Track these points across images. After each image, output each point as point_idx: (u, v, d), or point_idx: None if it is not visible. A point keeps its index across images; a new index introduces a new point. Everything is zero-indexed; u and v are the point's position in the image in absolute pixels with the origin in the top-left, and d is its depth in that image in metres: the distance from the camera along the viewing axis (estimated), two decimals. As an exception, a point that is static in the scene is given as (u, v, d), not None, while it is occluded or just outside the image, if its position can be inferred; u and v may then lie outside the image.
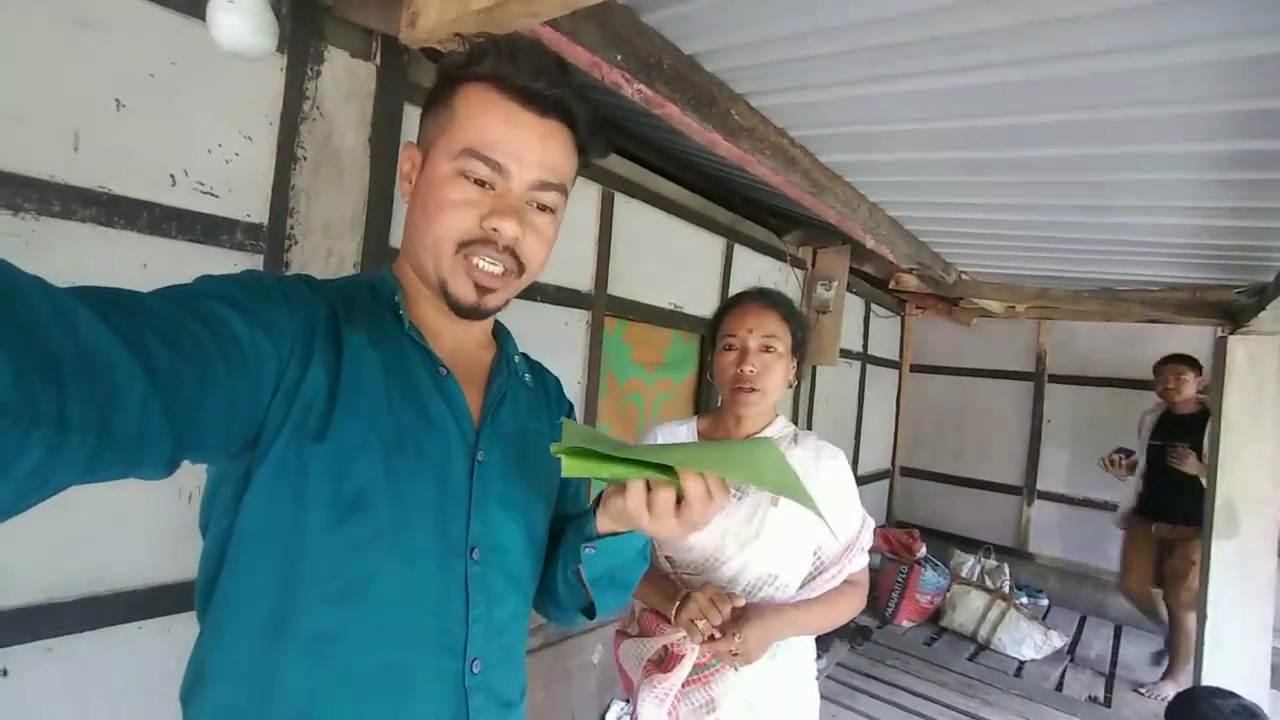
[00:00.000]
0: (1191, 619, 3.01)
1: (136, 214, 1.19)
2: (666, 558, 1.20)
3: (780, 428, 1.22)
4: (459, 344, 0.69)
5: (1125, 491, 3.69)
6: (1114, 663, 3.70)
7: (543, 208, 0.65)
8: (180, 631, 1.26)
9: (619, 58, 1.20)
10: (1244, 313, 2.66)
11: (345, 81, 1.45)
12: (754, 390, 1.14)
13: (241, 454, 0.54)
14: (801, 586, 1.16)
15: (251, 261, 1.35)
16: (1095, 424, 4.58)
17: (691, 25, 1.28)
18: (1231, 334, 2.83)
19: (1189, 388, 3.25)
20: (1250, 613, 2.73)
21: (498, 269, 0.63)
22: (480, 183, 0.61)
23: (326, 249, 1.44)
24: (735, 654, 1.00)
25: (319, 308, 0.58)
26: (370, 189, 1.50)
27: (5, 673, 1.06)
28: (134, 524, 1.20)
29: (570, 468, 0.54)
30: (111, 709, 1.18)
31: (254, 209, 1.35)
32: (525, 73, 0.60)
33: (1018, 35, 1.17)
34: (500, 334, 0.77)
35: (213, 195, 1.29)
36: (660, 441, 1.24)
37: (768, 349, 1.15)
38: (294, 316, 0.55)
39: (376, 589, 0.57)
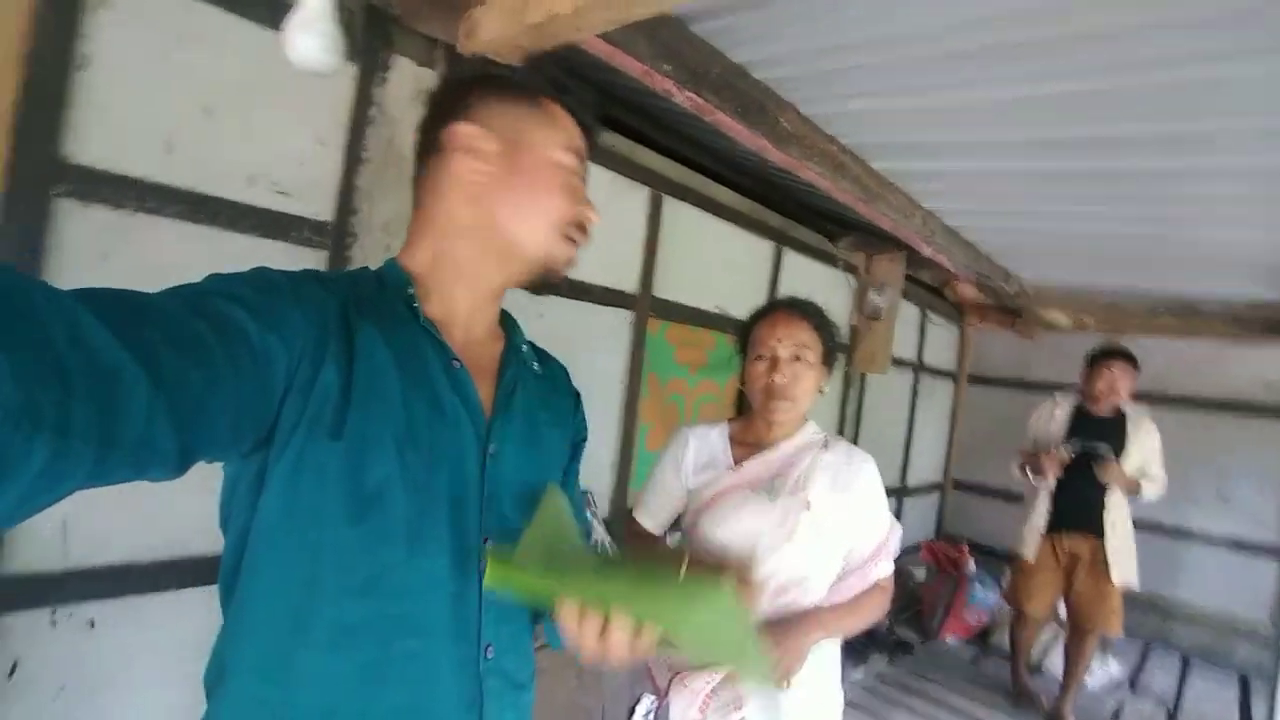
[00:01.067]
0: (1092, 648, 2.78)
1: (218, 211, 1.29)
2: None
3: (810, 434, 1.23)
4: (470, 336, 0.70)
5: (1023, 504, 3.26)
6: (1179, 697, 3.48)
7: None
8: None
9: (668, 68, 1.23)
10: (1340, 334, 2.46)
11: (410, 87, 1.53)
12: (785, 400, 1.15)
13: (254, 452, 0.55)
14: (829, 595, 1.16)
15: (316, 257, 1.45)
16: (1170, 445, 4.30)
17: (740, 35, 1.29)
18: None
19: (1126, 389, 2.86)
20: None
21: (582, 242, 0.72)
22: (574, 174, 0.71)
23: (385, 245, 1.52)
24: (785, 672, 1.02)
25: (330, 304, 0.59)
26: (428, 190, 1.57)
27: (93, 624, 1.18)
28: (211, 494, 1.31)
29: (490, 578, 0.55)
30: (183, 664, 1.29)
31: (321, 208, 1.45)
32: (590, 118, 0.74)
33: (1095, 43, 1.13)
34: (508, 324, 0.78)
35: (285, 195, 1.39)
36: (692, 444, 1.26)
37: (798, 358, 1.17)
38: (304, 313, 0.55)
39: (396, 580, 0.58)
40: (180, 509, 1.26)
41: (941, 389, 4.97)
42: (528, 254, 0.68)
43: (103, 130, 1.15)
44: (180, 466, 0.45)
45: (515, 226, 0.67)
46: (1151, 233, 2.11)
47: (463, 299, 0.69)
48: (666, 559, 1.11)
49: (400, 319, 0.64)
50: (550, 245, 0.68)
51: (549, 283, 0.71)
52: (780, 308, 1.23)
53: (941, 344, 4.86)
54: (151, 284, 0.50)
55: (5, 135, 1.06)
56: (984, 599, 3.80)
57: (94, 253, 1.17)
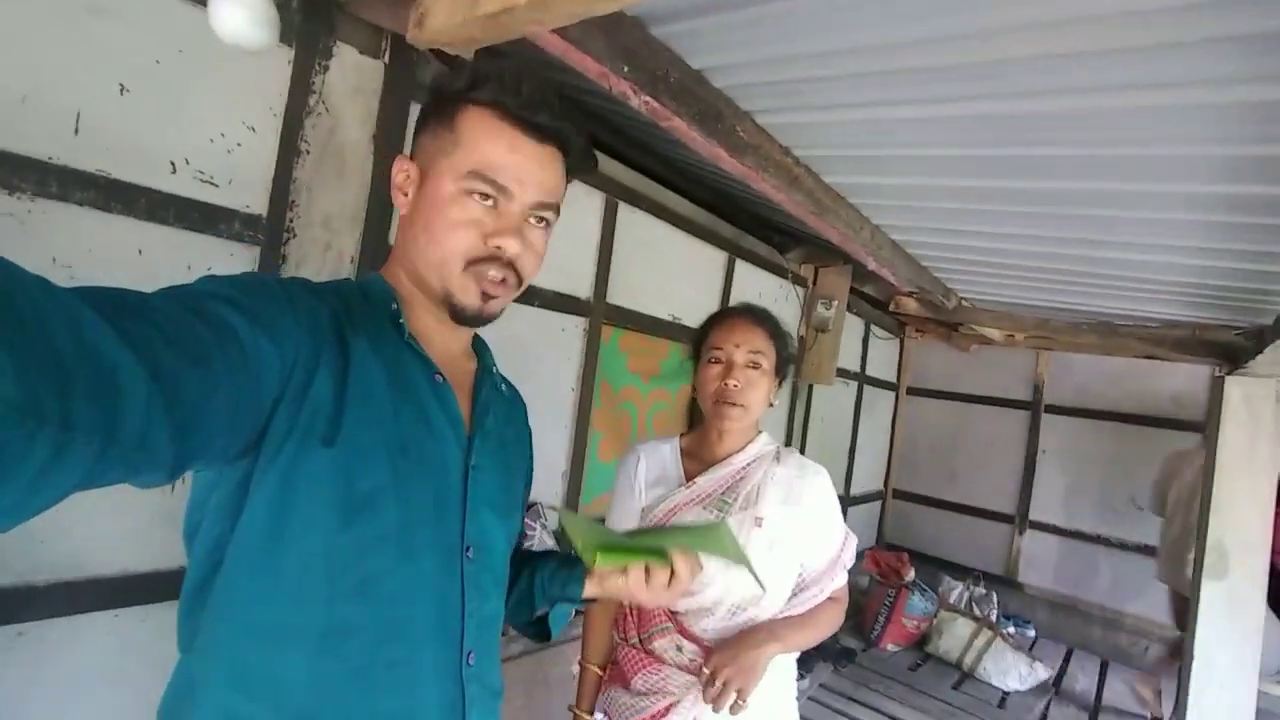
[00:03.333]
0: None
1: (134, 199, 1.18)
2: None
3: (763, 445, 1.21)
4: (448, 353, 0.72)
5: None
6: (1099, 698, 3.66)
7: (540, 220, 0.70)
8: (158, 619, 1.25)
9: (626, 69, 1.20)
10: (1242, 354, 2.65)
11: (353, 78, 1.46)
12: (737, 405, 1.13)
13: (240, 458, 0.54)
14: (786, 610, 1.15)
15: (248, 253, 1.35)
16: (1090, 456, 4.58)
17: (700, 41, 1.28)
18: (1229, 374, 2.82)
19: None
20: (1238, 655, 2.70)
21: (501, 277, 0.67)
22: (485, 197, 0.65)
23: (325, 243, 1.44)
24: (739, 691, 1.00)
25: (322, 311, 0.59)
26: (372, 186, 1.49)
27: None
28: (113, 511, 1.19)
29: (603, 562, 0.70)
30: (83, 696, 1.16)
31: (253, 200, 1.35)
32: (528, 103, 0.64)
33: (1028, 68, 1.17)
34: (479, 347, 0.80)
35: (212, 184, 1.29)
36: (643, 461, 1.23)
37: (753, 365, 1.15)
38: (297, 319, 0.55)
39: (387, 587, 0.59)
40: (81, 527, 1.14)
41: (883, 400, 5.13)
42: (433, 286, 0.66)
43: (-1, 105, 1.04)
44: (174, 469, 0.44)
45: (418, 259, 0.67)
46: (1075, 254, 2.22)
47: (428, 321, 0.70)
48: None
49: (385, 332, 0.65)
50: (451, 281, 0.65)
51: (466, 318, 0.68)
52: (738, 313, 1.21)
53: (883, 356, 5.02)
54: (56, 279, 0.44)
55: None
56: (923, 607, 3.91)
57: None
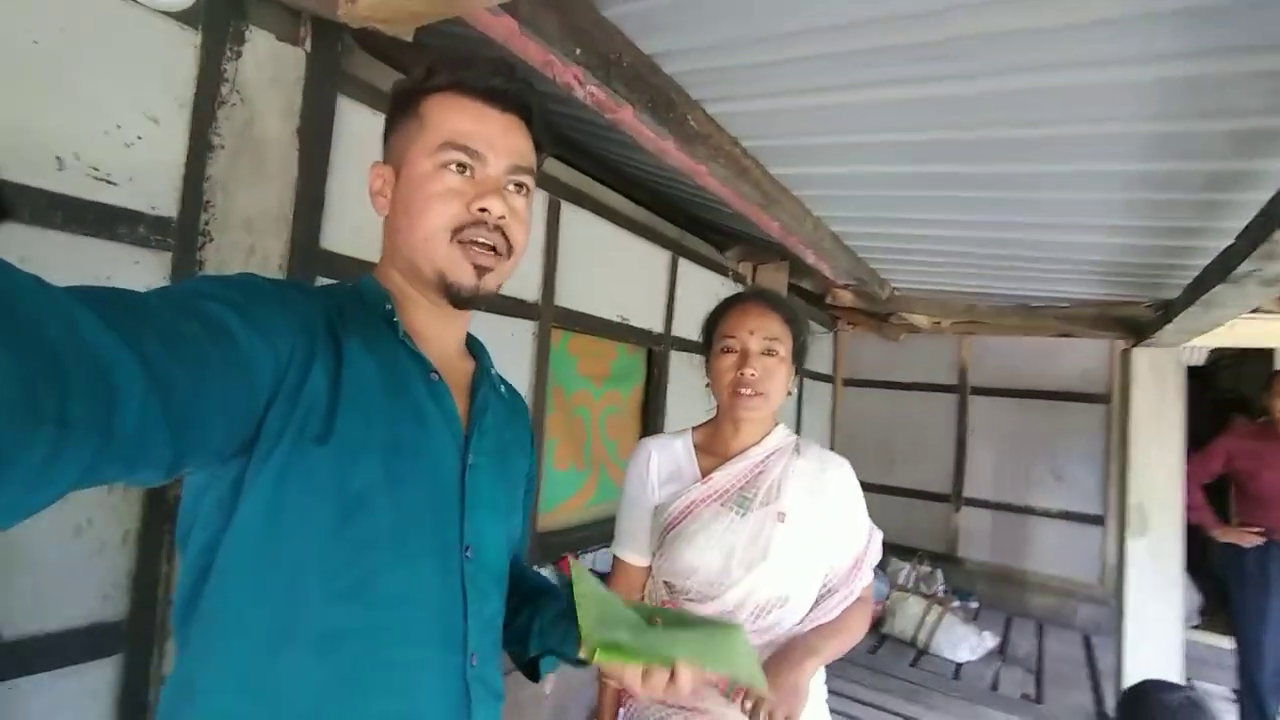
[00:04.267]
0: None
1: (16, 201, 1.01)
2: (665, 583, 1.11)
3: (782, 436, 1.16)
4: (444, 352, 0.71)
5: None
6: (1040, 659, 3.87)
7: (519, 187, 0.69)
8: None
9: (578, 51, 1.14)
10: (1148, 327, 2.87)
11: (270, 67, 1.32)
12: (756, 394, 1.07)
13: (234, 458, 0.54)
14: (814, 608, 1.09)
15: (157, 259, 1.19)
16: (1014, 433, 4.87)
17: (652, 23, 1.24)
18: (1135, 346, 3.06)
19: None
20: (1163, 606, 2.92)
21: (490, 244, 0.66)
22: (463, 169, 0.65)
23: (249, 246, 1.29)
24: (788, 718, 0.92)
25: (315, 311, 0.59)
26: (299, 184, 1.36)
27: None
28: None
29: (602, 658, 0.63)
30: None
31: (161, 201, 1.20)
32: (485, 74, 0.67)
33: (969, 47, 1.20)
34: (476, 348, 0.80)
35: (109, 183, 1.14)
36: (655, 457, 1.16)
37: (770, 352, 1.09)
38: (290, 319, 0.55)
39: (383, 587, 0.59)
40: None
41: (822, 392, 5.27)
42: (425, 271, 0.66)
43: None
44: (171, 467, 0.44)
45: (408, 247, 0.67)
46: (999, 236, 2.34)
47: (422, 319, 0.69)
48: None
49: (380, 332, 0.65)
50: (441, 258, 0.65)
51: (463, 297, 0.67)
52: (751, 298, 1.14)
53: (820, 350, 5.16)
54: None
55: None
56: (878, 589, 4.02)
57: None
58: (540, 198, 2.19)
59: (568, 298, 2.32)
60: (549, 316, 2.23)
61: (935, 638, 3.74)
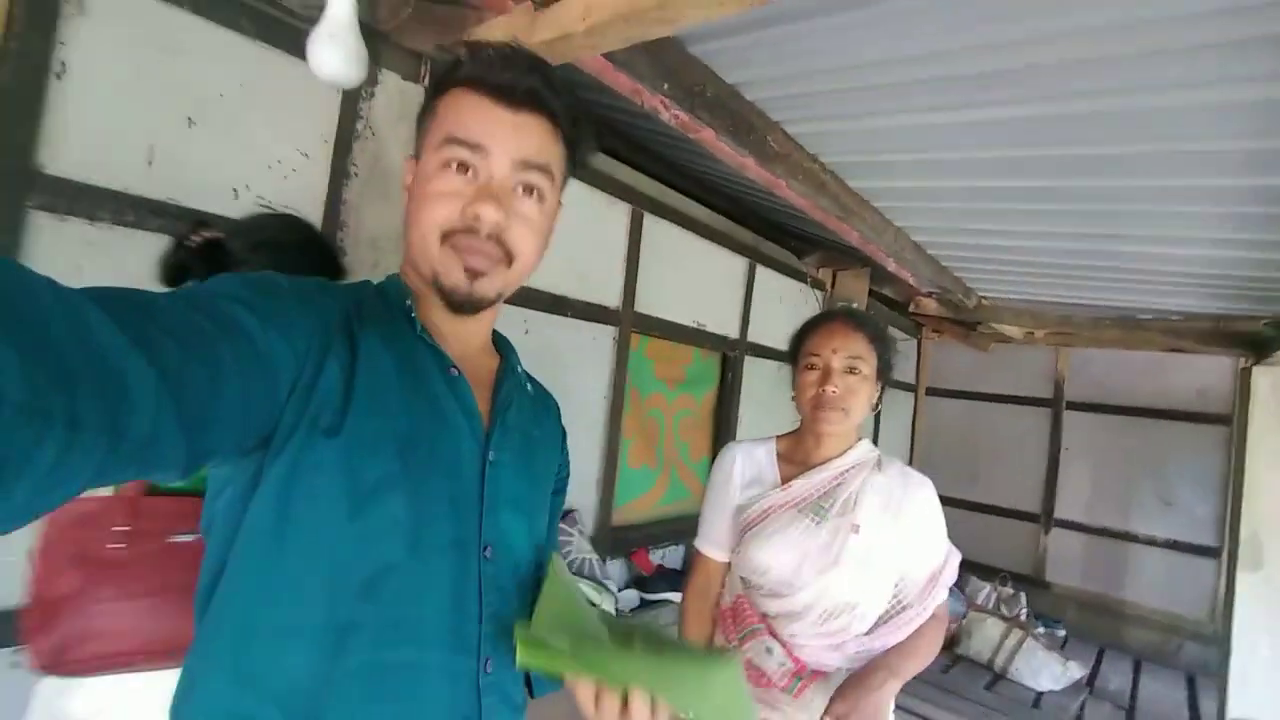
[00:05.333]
0: None
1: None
2: (742, 579, 1.18)
3: (864, 451, 1.19)
4: (466, 348, 0.70)
5: None
6: (1133, 697, 3.63)
7: (529, 189, 0.65)
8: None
9: (665, 86, 1.25)
10: (1269, 344, 2.65)
11: (396, 104, 1.52)
12: (836, 410, 1.11)
13: (253, 452, 0.54)
14: (885, 623, 1.12)
15: (304, 273, 1.41)
16: (1115, 452, 4.55)
17: (734, 57, 1.33)
18: (1255, 365, 2.82)
19: None
20: (1276, 649, 2.68)
21: (487, 250, 0.63)
22: (464, 169, 0.62)
23: (373, 262, 1.50)
24: None
25: (332, 308, 0.59)
26: (417, 206, 1.55)
27: None
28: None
29: (523, 658, 0.56)
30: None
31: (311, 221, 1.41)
32: (498, 70, 0.63)
33: (1054, 73, 1.21)
34: (503, 345, 0.78)
35: (270, 208, 1.36)
36: (740, 460, 1.22)
37: (852, 370, 1.12)
38: (307, 316, 0.55)
39: (394, 583, 0.57)
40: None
41: (902, 401, 5.13)
42: (425, 274, 0.65)
43: (80, 141, 1.11)
44: (188, 466, 0.44)
45: (411, 249, 0.66)
46: (1097, 249, 2.25)
47: (440, 315, 0.68)
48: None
49: (399, 328, 0.64)
50: (433, 260, 0.63)
51: (456, 300, 0.65)
52: (836, 317, 1.19)
53: (901, 358, 5.02)
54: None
55: (-25, 143, 1.00)
56: (952, 607, 3.88)
57: (69, 267, 1.11)
58: (623, 210, 2.33)
59: (646, 304, 2.44)
60: (628, 322, 2.36)
61: (1014, 662, 3.59)
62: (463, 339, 0.70)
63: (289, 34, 1.32)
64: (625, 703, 0.56)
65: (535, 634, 0.58)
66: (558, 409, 0.86)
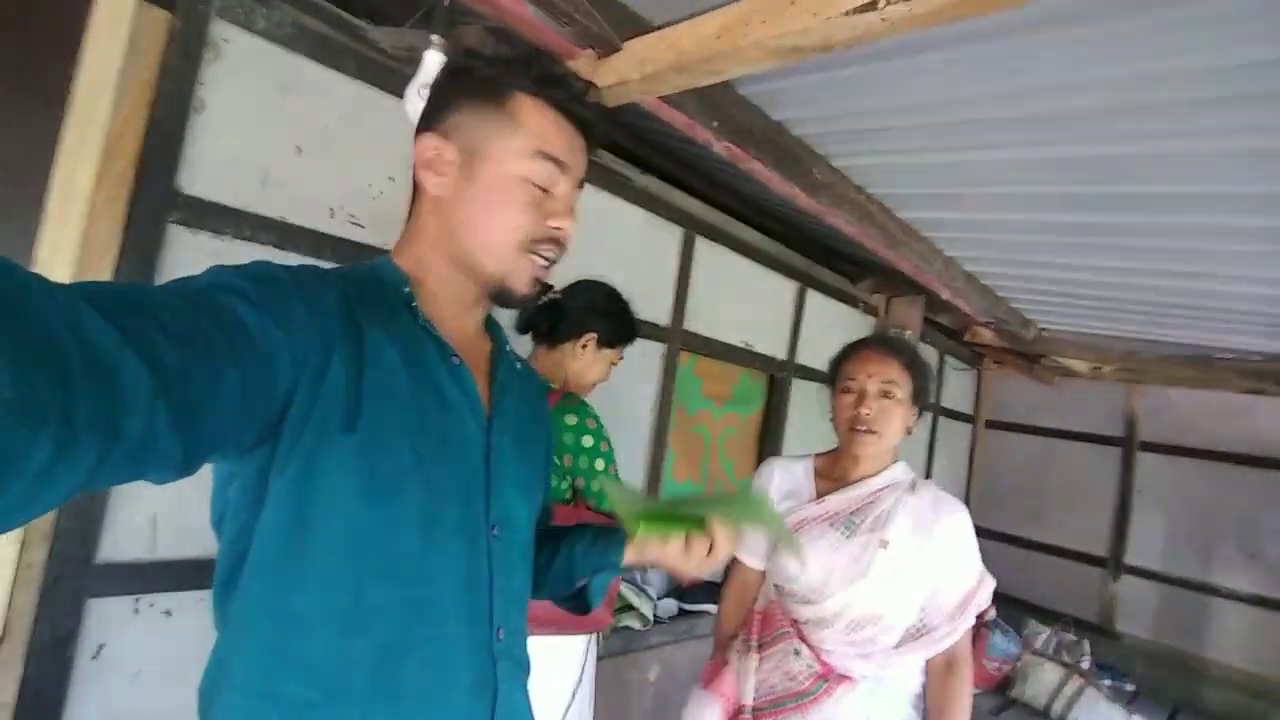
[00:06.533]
0: None
1: (302, 239, 1.43)
2: (775, 586, 1.25)
3: (899, 473, 1.23)
4: (463, 334, 0.71)
5: None
6: (1208, 762, 3.37)
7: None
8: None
9: (715, 124, 1.36)
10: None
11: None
12: (870, 432, 1.17)
13: (256, 448, 0.54)
14: (915, 639, 1.15)
15: (385, 283, 1.58)
16: (1194, 497, 4.27)
17: (781, 98, 1.43)
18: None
19: None
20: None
21: (554, 258, 0.70)
22: (539, 187, 0.66)
23: (445, 276, 1.65)
24: None
25: (333, 298, 0.59)
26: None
27: (169, 613, 1.27)
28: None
29: (645, 530, 0.71)
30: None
31: (389, 238, 1.54)
32: (572, 95, 0.68)
33: (1100, 117, 1.24)
34: (491, 327, 0.80)
35: (359, 225, 1.53)
36: (778, 474, 1.30)
37: (886, 394, 1.17)
38: (308, 307, 0.55)
39: (413, 568, 0.60)
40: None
41: (959, 432, 4.99)
42: (485, 270, 0.67)
43: (211, 166, 1.30)
44: (185, 464, 0.45)
45: (470, 241, 0.66)
46: (1166, 285, 2.19)
47: (446, 303, 0.69)
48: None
49: (399, 316, 0.64)
50: (507, 263, 0.66)
51: (510, 300, 0.69)
52: (872, 343, 1.24)
53: (959, 388, 4.89)
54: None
55: (132, 167, 1.20)
56: (1004, 648, 3.75)
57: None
58: (676, 232, 2.43)
59: (695, 323, 2.53)
60: (677, 340, 2.45)
61: (1073, 712, 3.41)
62: (462, 326, 0.71)
63: (382, 72, 1.51)
64: (695, 546, 0.71)
65: (643, 511, 0.72)
66: (541, 385, 0.91)
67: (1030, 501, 4.88)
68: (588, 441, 1.31)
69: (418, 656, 0.60)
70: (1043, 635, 4.11)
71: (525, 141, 0.65)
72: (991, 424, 5.19)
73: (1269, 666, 3.88)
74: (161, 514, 1.25)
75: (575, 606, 0.89)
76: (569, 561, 0.82)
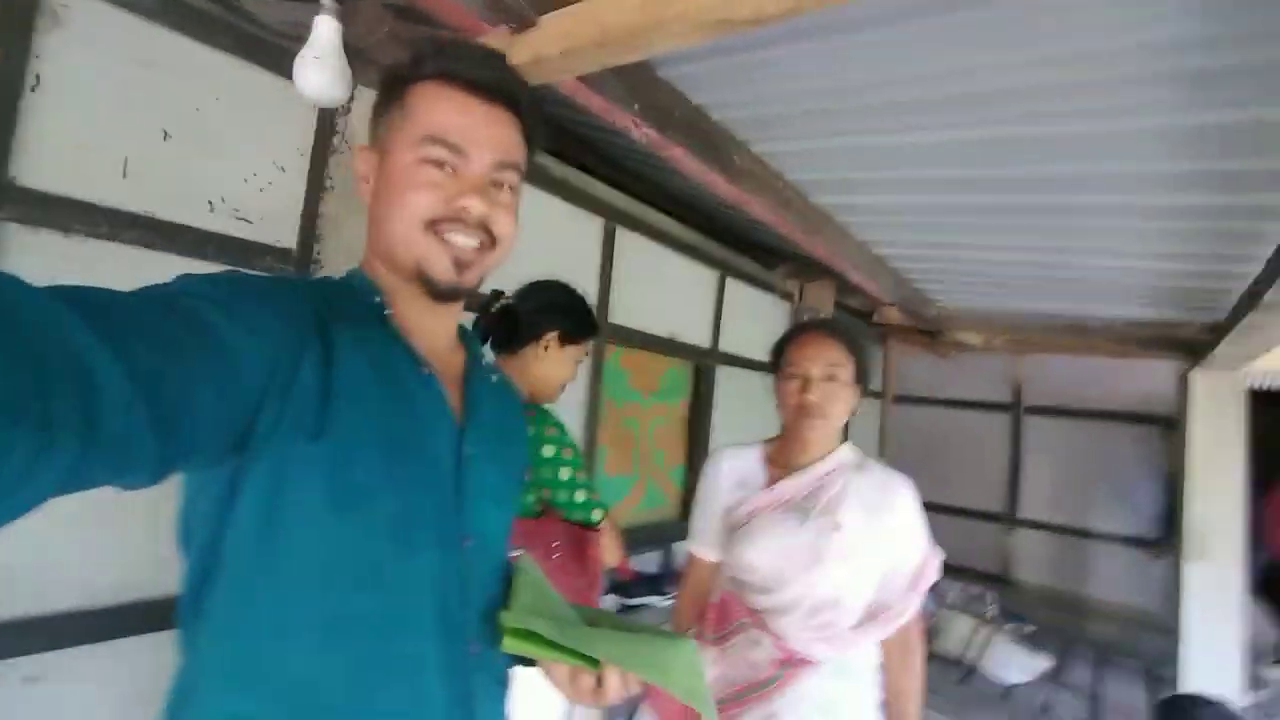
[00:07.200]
0: None
1: (177, 237, 1.26)
2: (731, 577, 1.23)
3: (845, 454, 1.24)
4: (435, 343, 0.71)
5: None
6: (1097, 685, 3.76)
7: (500, 185, 0.67)
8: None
9: (636, 107, 1.31)
10: (1203, 348, 2.82)
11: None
12: (817, 417, 1.17)
13: (227, 456, 0.53)
14: (872, 618, 1.16)
15: (281, 285, 1.42)
16: (1072, 454, 4.74)
17: (700, 81, 1.40)
18: (1192, 369, 2.99)
19: None
20: (1224, 637, 2.83)
21: (474, 242, 0.65)
22: (440, 165, 0.63)
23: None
24: None
25: (304, 307, 0.58)
26: (393, 218, 1.58)
27: (34, 680, 1.08)
28: (161, 534, 1.23)
29: (510, 645, 0.62)
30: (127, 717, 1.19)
31: (283, 235, 1.43)
32: (471, 65, 0.65)
33: (1002, 100, 1.30)
34: (466, 338, 0.79)
35: (246, 221, 1.37)
36: (727, 464, 1.28)
37: (831, 378, 1.18)
38: (278, 315, 0.55)
39: (385, 579, 0.59)
40: (130, 549, 1.18)
41: (871, 408, 5.26)
42: (399, 259, 0.65)
43: (54, 153, 1.11)
44: (159, 469, 0.44)
45: (386, 235, 0.66)
46: (1047, 260, 2.38)
47: (410, 312, 0.68)
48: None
49: (370, 325, 0.64)
50: (417, 248, 0.64)
51: (441, 290, 0.66)
52: (811, 329, 1.25)
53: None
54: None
55: (-52, 156, 1.00)
56: (923, 605, 3.99)
57: (43, 279, 1.09)
58: (597, 223, 2.38)
59: (621, 315, 2.49)
60: (603, 333, 2.40)
61: (984, 657, 3.70)
62: (432, 335, 0.70)
63: (266, 50, 1.35)
64: (599, 681, 0.63)
65: (520, 622, 0.63)
66: (518, 397, 0.89)
67: (936, 468, 5.22)
68: (548, 452, 1.27)
69: (393, 672, 0.59)
70: (953, 590, 4.43)
71: (414, 128, 0.64)
72: (898, 398, 5.51)
73: (1137, 598, 4.38)
74: (17, 564, 1.06)
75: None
76: None
